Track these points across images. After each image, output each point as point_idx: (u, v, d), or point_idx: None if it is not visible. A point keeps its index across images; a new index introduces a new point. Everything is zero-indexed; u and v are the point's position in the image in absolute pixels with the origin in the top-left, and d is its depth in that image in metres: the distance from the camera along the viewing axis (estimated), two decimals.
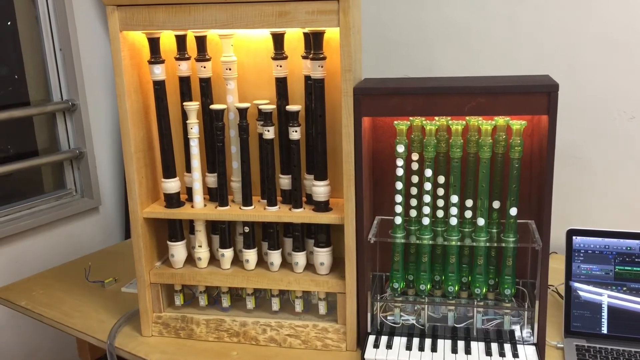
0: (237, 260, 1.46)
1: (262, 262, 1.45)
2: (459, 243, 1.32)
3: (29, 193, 2.34)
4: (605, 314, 1.35)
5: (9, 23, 2.24)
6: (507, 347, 1.29)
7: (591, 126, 1.78)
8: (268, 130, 1.34)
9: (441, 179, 1.31)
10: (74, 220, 2.38)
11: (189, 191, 1.45)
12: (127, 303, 1.61)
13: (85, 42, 2.33)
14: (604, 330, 1.35)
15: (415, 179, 1.33)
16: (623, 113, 1.74)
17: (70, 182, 2.45)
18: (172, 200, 1.42)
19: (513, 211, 1.28)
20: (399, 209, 1.33)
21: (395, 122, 1.31)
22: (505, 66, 1.86)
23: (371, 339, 1.34)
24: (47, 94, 2.35)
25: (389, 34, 2.02)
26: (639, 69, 1.69)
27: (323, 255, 1.38)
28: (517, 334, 1.32)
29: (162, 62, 1.36)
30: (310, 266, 1.42)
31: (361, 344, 1.35)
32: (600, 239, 1.36)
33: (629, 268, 1.34)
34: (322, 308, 1.41)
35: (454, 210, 1.30)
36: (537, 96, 1.18)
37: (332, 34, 1.29)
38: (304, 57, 1.34)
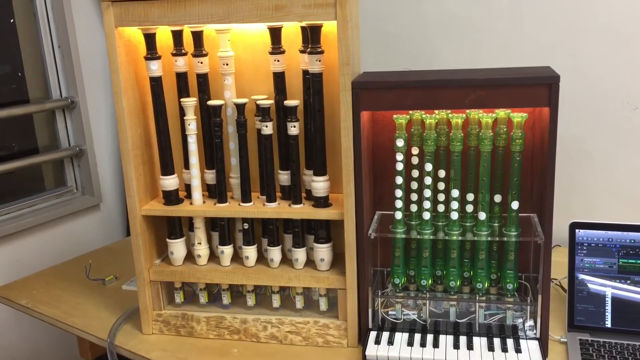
0: (236, 257, 1.45)
1: (262, 258, 1.44)
2: (460, 238, 1.30)
3: (29, 191, 2.34)
4: (609, 307, 1.33)
5: (11, 20, 2.23)
6: (510, 342, 1.28)
7: (594, 118, 1.76)
8: (266, 126, 1.33)
9: (442, 173, 1.30)
10: (75, 218, 2.38)
11: (188, 188, 1.44)
12: (127, 301, 1.60)
13: (84, 38, 2.31)
14: (608, 324, 1.33)
15: (415, 173, 1.31)
16: (627, 104, 1.72)
17: (70, 179, 2.44)
18: (171, 197, 1.41)
19: (515, 205, 1.26)
20: (399, 203, 1.31)
21: (395, 116, 1.29)
22: (507, 58, 1.84)
23: (372, 335, 1.33)
24: (46, 91, 2.34)
25: (388, 27, 2.00)
26: None
27: (323, 251, 1.37)
28: (520, 328, 1.31)
29: (159, 58, 1.34)
30: (310, 262, 1.41)
31: (362, 340, 1.34)
32: (604, 231, 1.34)
33: (633, 261, 1.32)
34: (323, 304, 1.40)
35: (454, 205, 1.29)
36: (537, 88, 1.16)
37: (329, 28, 1.27)
38: (302, 52, 1.32)
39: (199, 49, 1.36)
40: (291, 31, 1.34)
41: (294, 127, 1.32)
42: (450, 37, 1.92)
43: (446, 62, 1.93)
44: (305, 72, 1.32)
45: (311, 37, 1.27)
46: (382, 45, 2.02)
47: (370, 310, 1.35)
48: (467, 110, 1.26)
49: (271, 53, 1.33)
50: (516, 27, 1.81)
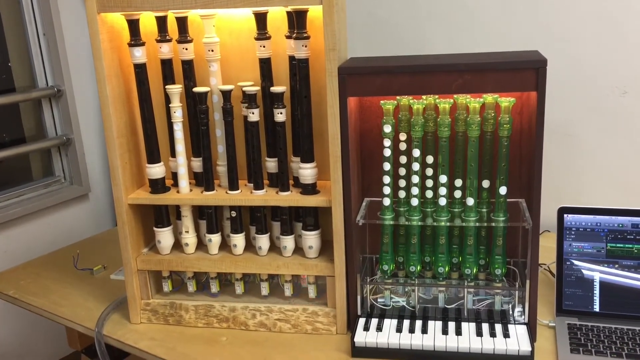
0: (224, 245, 1.44)
1: (250, 246, 1.43)
2: (448, 223, 1.30)
3: (17, 181, 2.32)
4: (597, 291, 1.34)
5: None
6: (498, 327, 1.28)
7: (583, 102, 1.76)
8: (253, 113, 1.31)
9: (429, 159, 1.29)
10: (63, 208, 2.36)
11: (175, 176, 1.43)
12: (116, 290, 1.59)
13: (69, 26, 2.28)
14: (596, 308, 1.33)
15: (403, 159, 1.30)
16: (615, 89, 1.71)
17: (58, 169, 2.42)
18: (157, 186, 1.40)
19: (503, 190, 1.26)
20: (387, 190, 1.31)
21: (382, 101, 1.28)
22: (497, 43, 1.83)
23: (361, 321, 1.33)
24: (32, 80, 2.32)
25: (378, 11, 1.98)
26: (631, 44, 1.67)
27: (311, 239, 1.36)
28: (509, 313, 1.31)
29: (143, 44, 1.32)
30: (299, 250, 1.40)
31: (351, 327, 1.34)
32: (592, 216, 1.34)
33: (621, 245, 1.33)
34: (312, 292, 1.39)
35: (442, 191, 1.28)
36: (525, 72, 1.15)
37: (315, 12, 1.26)
38: (288, 37, 1.31)
39: (183, 35, 1.34)
40: (277, 16, 1.32)
41: (281, 113, 1.31)
42: (441, 22, 1.90)
43: (437, 47, 1.92)
44: (292, 58, 1.31)
45: (297, 22, 1.26)
46: (371, 30, 2.00)
47: (359, 297, 1.34)
48: (455, 96, 1.25)
49: (257, 39, 1.31)
50: (507, 11, 1.80)
